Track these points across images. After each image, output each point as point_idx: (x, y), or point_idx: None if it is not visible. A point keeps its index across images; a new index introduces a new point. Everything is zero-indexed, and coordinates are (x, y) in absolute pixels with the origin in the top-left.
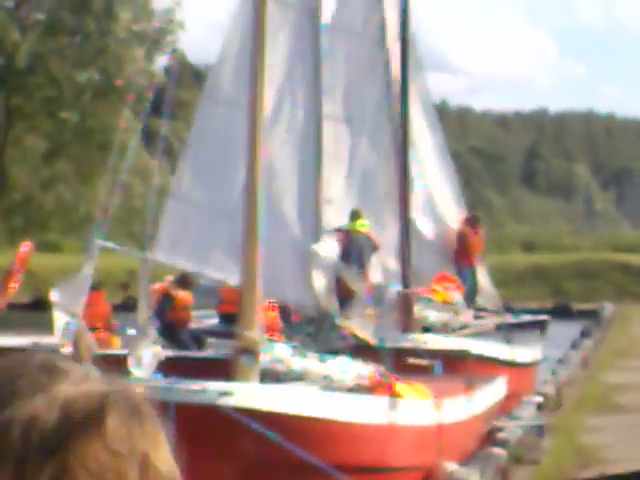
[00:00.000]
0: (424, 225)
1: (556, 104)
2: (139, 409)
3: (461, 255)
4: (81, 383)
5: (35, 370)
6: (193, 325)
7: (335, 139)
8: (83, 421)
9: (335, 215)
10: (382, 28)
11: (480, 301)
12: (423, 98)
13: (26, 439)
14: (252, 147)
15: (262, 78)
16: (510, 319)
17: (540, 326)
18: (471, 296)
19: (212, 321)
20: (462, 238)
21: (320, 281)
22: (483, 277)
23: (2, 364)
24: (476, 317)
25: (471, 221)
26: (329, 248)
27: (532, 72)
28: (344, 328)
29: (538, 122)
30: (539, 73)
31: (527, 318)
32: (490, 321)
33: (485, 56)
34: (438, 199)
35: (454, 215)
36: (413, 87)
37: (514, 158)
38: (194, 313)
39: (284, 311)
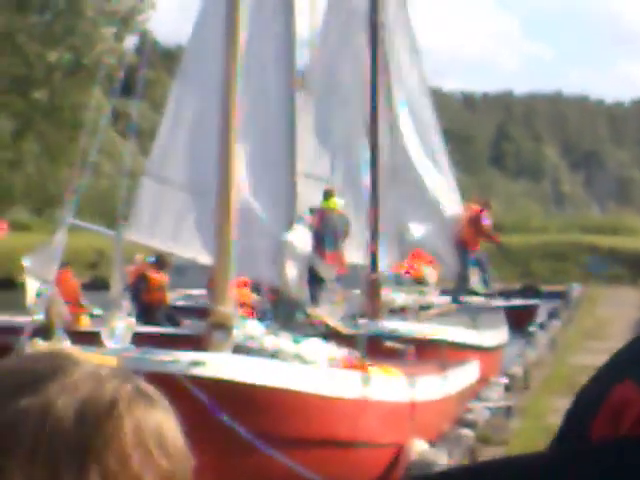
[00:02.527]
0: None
1: (522, 86)
2: (152, 399)
3: (471, 238)
4: (92, 371)
5: (45, 359)
6: (181, 304)
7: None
8: (102, 420)
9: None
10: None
11: (474, 283)
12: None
13: (40, 433)
14: (225, 127)
15: (235, 59)
16: (501, 302)
17: (531, 311)
18: (467, 279)
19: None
20: (477, 222)
21: (292, 270)
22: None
23: (16, 357)
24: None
25: (484, 205)
26: (301, 237)
27: (496, 54)
28: (314, 317)
29: (505, 103)
30: (503, 55)
31: (518, 302)
32: (456, 304)
33: (448, 38)
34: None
35: (450, 199)
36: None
37: (483, 139)
38: (195, 292)
39: (257, 288)
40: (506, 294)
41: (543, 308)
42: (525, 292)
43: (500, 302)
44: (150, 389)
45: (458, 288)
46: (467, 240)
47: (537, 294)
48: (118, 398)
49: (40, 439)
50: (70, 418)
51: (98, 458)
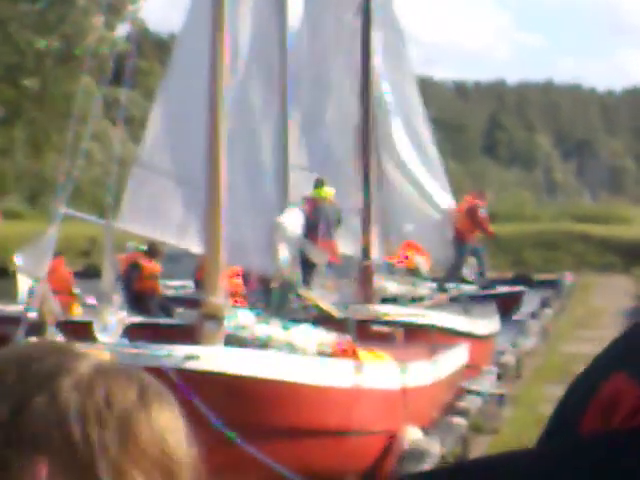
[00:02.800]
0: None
1: (514, 75)
2: (161, 397)
3: (468, 229)
4: (100, 368)
5: (53, 352)
6: (171, 294)
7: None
8: (120, 420)
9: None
10: None
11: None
12: (404, 65)
13: (56, 433)
14: (213, 113)
15: (222, 48)
16: (486, 290)
17: (515, 298)
18: (459, 268)
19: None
20: (473, 213)
21: (284, 252)
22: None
23: (15, 349)
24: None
25: (479, 196)
26: (294, 219)
27: (488, 43)
28: (306, 299)
29: (498, 92)
30: (495, 44)
31: (503, 289)
32: (450, 293)
33: (439, 27)
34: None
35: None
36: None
37: (475, 129)
38: (172, 283)
39: (247, 278)
40: (496, 282)
41: (535, 297)
42: (517, 281)
43: (485, 290)
44: (157, 385)
45: (447, 276)
46: (463, 231)
47: (529, 283)
48: (133, 399)
49: (56, 439)
50: (86, 419)
51: (113, 458)
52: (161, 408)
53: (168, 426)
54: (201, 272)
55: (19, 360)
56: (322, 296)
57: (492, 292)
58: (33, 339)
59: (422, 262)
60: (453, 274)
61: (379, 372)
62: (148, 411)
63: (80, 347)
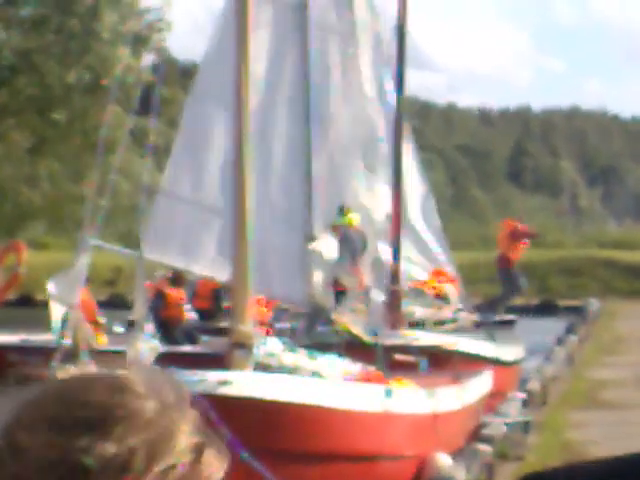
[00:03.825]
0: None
1: (538, 100)
2: (212, 439)
3: (512, 250)
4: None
5: (112, 390)
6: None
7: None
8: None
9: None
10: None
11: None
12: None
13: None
14: (239, 144)
15: (246, 77)
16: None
17: (508, 327)
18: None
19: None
20: (514, 233)
21: (317, 277)
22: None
23: (67, 387)
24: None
25: (519, 223)
26: (328, 245)
27: (510, 70)
28: (338, 324)
29: (523, 119)
30: (518, 71)
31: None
32: (464, 319)
33: (463, 54)
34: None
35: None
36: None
37: (500, 155)
38: None
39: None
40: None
41: (561, 323)
42: (543, 308)
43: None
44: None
45: (491, 305)
46: (508, 254)
47: (554, 309)
48: (196, 441)
49: None
50: (152, 461)
51: None
52: (217, 452)
53: (219, 470)
54: (199, 300)
55: (75, 400)
56: (354, 321)
57: (484, 320)
58: (75, 370)
59: (451, 290)
60: (500, 303)
61: (409, 397)
62: (208, 455)
63: (134, 382)
